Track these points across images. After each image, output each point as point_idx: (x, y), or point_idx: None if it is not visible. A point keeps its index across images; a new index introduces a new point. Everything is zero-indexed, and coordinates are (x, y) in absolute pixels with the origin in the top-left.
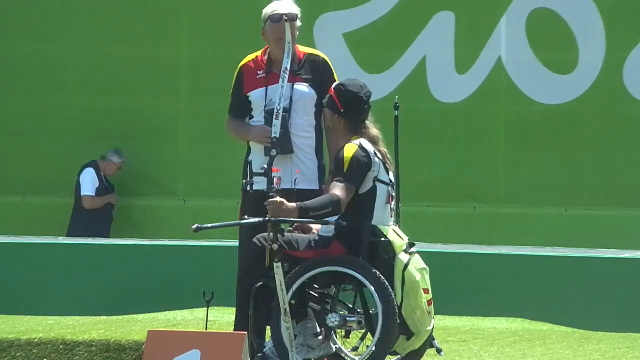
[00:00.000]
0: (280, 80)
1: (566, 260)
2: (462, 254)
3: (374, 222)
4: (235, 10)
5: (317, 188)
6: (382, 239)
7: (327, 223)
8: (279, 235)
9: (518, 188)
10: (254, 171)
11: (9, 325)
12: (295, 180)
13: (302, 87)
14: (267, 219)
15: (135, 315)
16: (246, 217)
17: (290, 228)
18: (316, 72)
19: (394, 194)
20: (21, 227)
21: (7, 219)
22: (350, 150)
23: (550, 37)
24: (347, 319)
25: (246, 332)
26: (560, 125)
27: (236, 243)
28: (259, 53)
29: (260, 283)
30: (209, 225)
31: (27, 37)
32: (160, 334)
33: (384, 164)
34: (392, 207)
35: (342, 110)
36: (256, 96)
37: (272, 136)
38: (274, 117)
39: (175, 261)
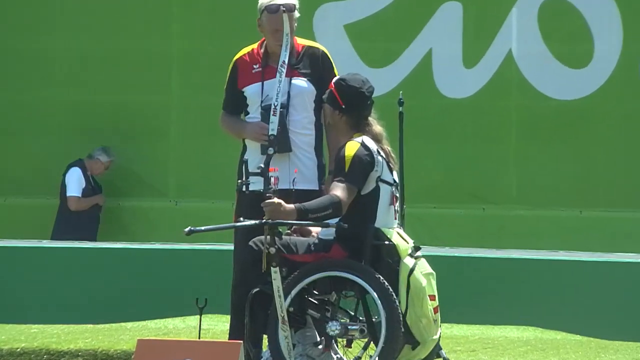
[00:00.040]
0: (278, 74)
1: (581, 264)
2: (471, 258)
3: (376, 224)
4: (229, 0)
5: (317, 188)
6: (386, 242)
7: (328, 225)
8: (276, 238)
9: (529, 188)
10: (250, 170)
11: None
12: (294, 180)
13: (301, 82)
14: (264, 221)
15: (123, 323)
16: (241, 219)
17: (289, 231)
18: (315, 65)
19: (398, 195)
20: (2, 229)
21: None
22: (351, 148)
23: (563, 29)
24: (349, 327)
25: (241, 341)
26: (574, 121)
27: (231, 246)
28: (254, 46)
29: (257, 289)
30: (202, 228)
31: (9, 29)
32: (151, 343)
33: (388, 162)
34: (396, 208)
35: (343, 106)
36: (252, 91)
37: (269, 133)
38: (271, 113)
39: (167, 266)
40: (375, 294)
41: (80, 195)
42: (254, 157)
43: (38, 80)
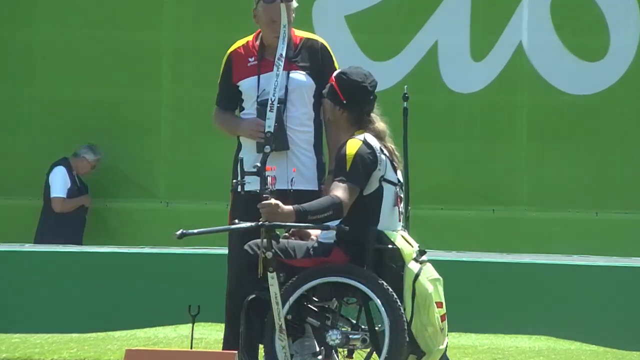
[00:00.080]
0: (275, 68)
1: (597, 270)
2: (480, 262)
3: (380, 227)
4: None
5: (316, 189)
6: (390, 246)
7: (328, 228)
8: (273, 241)
9: (542, 189)
10: (245, 170)
11: None
12: (292, 180)
13: (299, 76)
14: (260, 223)
15: (111, 332)
16: (236, 221)
17: (286, 234)
18: (314, 58)
19: (402, 196)
20: None
21: None
22: (353, 146)
23: (577, 19)
24: (350, 336)
25: (236, 351)
26: (589, 118)
27: (225, 251)
28: (250, 38)
29: (253, 296)
30: (195, 231)
31: None
32: (140, 354)
33: (391, 161)
34: (400, 210)
35: (345, 102)
36: (247, 86)
37: (266, 130)
38: (268, 108)
39: (157, 271)
40: (378, 301)
41: (65, 196)
42: (250, 156)
43: (19, 74)
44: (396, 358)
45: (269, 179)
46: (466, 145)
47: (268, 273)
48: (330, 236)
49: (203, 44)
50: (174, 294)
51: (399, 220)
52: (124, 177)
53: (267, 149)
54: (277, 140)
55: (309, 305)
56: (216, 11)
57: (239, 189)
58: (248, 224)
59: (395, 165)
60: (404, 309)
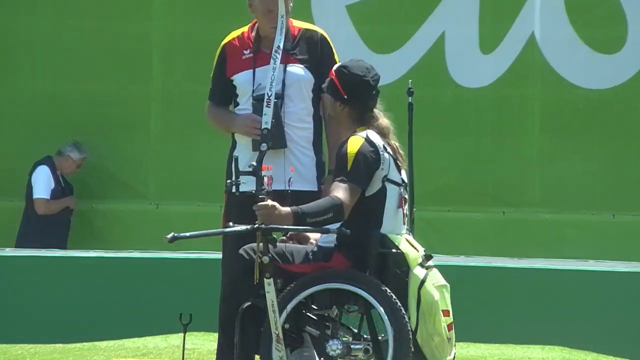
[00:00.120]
0: (272, 60)
1: (614, 275)
2: (489, 268)
3: (383, 230)
4: None
5: (315, 189)
6: (393, 250)
7: (328, 231)
8: (270, 245)
9: (555, 189)
10: (240, 169)
11: None
12: (290, 180)
13: (297, 69)
14: (256, 226)
15: (97, 343)
16: (231, 224)
17: (284, 237)
18: (313, 51)
19: (407, 196)
20: None
21: None
22: (354, 143)
23: (593, 10)
24: (352, 346)
25: None
26: (605, 113)
27: (219, 255)
28: (245, 29)
29: (248, 303)
30: (187, 234)
31: None
32: None
33: (395, 160)
34: (404, 211)
35: (346, 97)
36: (242, 80)
37: (262, 127)
38: (264, 104)
39: (146, 277)
40: (381, 308)
41: (48, 197)
42: (245, 154)
43: (1, 68)
44: None
45: (266, 179)
46: (474, 143)
47: (264, 279)
48: (330, 240)
49: (196, 35)
50: (164, 301)
51: (404, 223)
52: (111, 177)
53: (264, 147)
54: (274, 138)
55: (308, 314)
56: (210, 0)
57: (234, 190)
58: (243, 227)
59: (400, 164)
60: (409, 318)
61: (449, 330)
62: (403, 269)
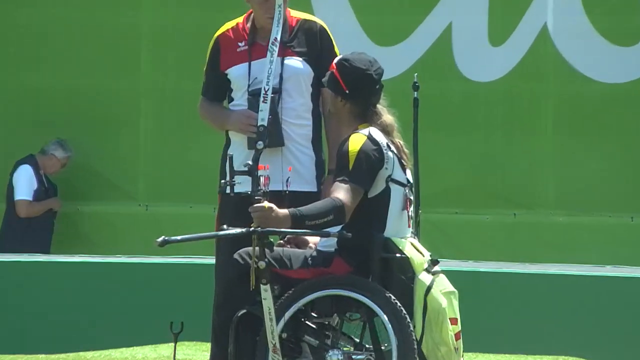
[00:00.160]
0: (268, 53)
1: (632, 282)
2: (499, 273)
3: (386, 234)
4: None
5: (315, 190)
6: (398, 255)
7: (328, 235)
8: (266, 249)
9: (570, 190)
10: (235, 169)
11: None
12: (287, 180)
13: (295, 62)
14: (252, 229)
15: (82, 353)
16: (225, 226)
17: (281, 241)
18: (312, 43)
19: (412, 198)
20: None
21: None
22: (356, 141)
23: None
24: (353, 356)
25: None
26: (622, 109)
27: (212, 260)
28: (240, 19)
29: (243, 311)
30: (178, 238)
31: None
32: None
33: (400, 159)
34: (409, 214)
35: (347, 92)
36: (237, 74)
37: (258, 124)
38: (261, 99)
39: (135, 283)
40: (385, 316)
41: (31, 198)
42: (240, 153)
43: None
44: None
45: (262, 179)
46: (484, 141)
47: (261, 285)
48: (330, 244)
49: (188, 26)
50: (154, 309)
51: (409, 226)
52: (98, 177)
53: (260, 145)
54: (271, 135)
55: (307, 322)
56: None
57: (228, 191)
58: (238, 230)
59: (404, 163)
60: (414, 326)
61: (456, 340)
62: (408, 274)
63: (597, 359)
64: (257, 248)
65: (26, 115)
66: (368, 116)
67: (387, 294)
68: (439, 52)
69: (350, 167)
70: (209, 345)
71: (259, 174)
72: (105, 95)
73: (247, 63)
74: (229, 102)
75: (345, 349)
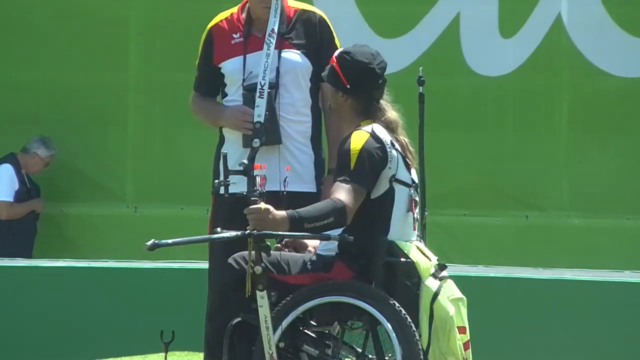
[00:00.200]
0: (265, 46)
1: None
2: (510, 279)
3: (390, 237)
4: None
5: (314, 190)
6: (403, 259)
7: (329, 238)
8: (263, 254)
9: (585, 191)
10: (230, 168)
11: None
12: (285, 180)
13: (293, 55)
14: (248, 232)
15: None
16: (219, 229)
17: (279, 244)
18: (311, 34)
19: (417, 199)
20: None
21: None
22: (358, 139)
23: None
24: None
25: None
26: None
27: (205, 265)
28: (234, 10)
29: (238, 319)
30: (169, 241)
31: None
32: None
33: (405, 157)
34: (415, 216)
35: (348, 87)
36: (231, 67)
37: (254, 120)
38: (257, 94)
39: (123, 289)
40: (388, 325)
41: (12, 199)
42: (235, 151)
43: None
44: None
45: (258, 178)
46: (494, 139)
47: (257, 292)
48: (331, 248)
49: (179, 17)
50: (143, 316)
51: (414, 229)
52: (83, 177)
53: (256, 142)
54: (268, 133)
55: (306, 331)
56: None
57: (222, 191)
58: (233, 233)
59: (409, 162)
60: (420, 335)
61: (465, 350)
62: (414, 280)
63: None
64: (253, 252)
65: (6, 111)
66: (371, 112)
67: (391, 301)
68: (446, 44)
69: (352, 166)
70: (201, 355)
71: (254, 174)
72: (91, 90)
73: (242, 56)
74: (223, 98)
75: (347, 359)
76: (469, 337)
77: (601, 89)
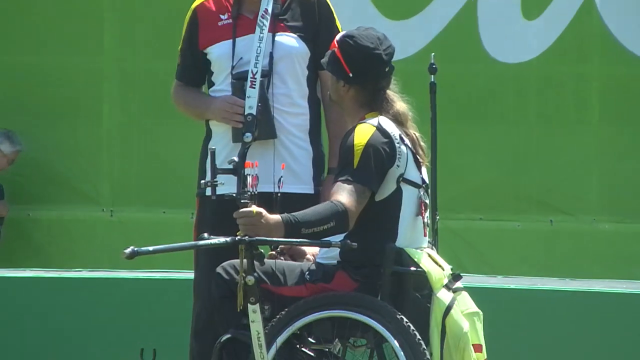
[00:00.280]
0: (257, 28)
1: None
2: (533, 290)
3: (398, 243)
4: None
5: (312, 192)
6: (412, 269)
7: (329, 244)
8: (255, 262)
9: (618, 192)
10: (218, 166)
11: None
12: (280, 180)
13: (288, 39)
14: (238, 238)
15: None
16: (205, 235)
17: (274, 252)
18: (309, 16)
19: (428, 201)
20: None
21: None
22: (363, 133)
23: None
24: None
25: None
26: None
27: (191, 274)
28: None
29: (227, 335)
30: (150, 249)
31: None
32: None
33: (415, 154)
34: (425, 220)
35: (351, 75)
36: (218, 53)
37: (246, 112)
38: (248, 83)
39: (99, 302)
40: (395, 342)
41: None
42: (224, 147)
43: None
44: None
45: (249, 178)
46: (515, 134)
47: (248, 305)
48: (332, 255)
49: None
50: (121, 332)
51: (424, 235)
52: (53, 176)
53: (248, 137)
54: (261, 126)
55: (303, 349)
56: None
57: (209, 193)
58: (221, 240)
59: (420, 159)
60: (431, 354)
61: None
62: (424, 292)
63: None
64: (244, 260)
65: None
66: (377, 103)
67: (398, 316)
68: (461, 27)
69: (355, 164)
70: None
71: (246, 173)
72: (60, 78)
73: (231, 40)
74: (209, 87)
75: None
76: (485, 357)
77: (636, 77)
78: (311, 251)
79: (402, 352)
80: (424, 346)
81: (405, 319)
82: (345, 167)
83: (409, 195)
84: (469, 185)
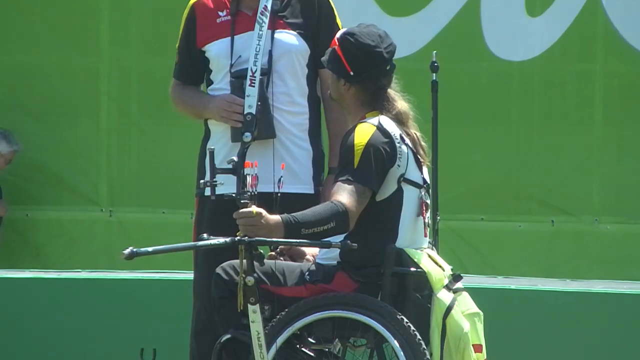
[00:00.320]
0: (256, 25)
1: None
2: (534, 291)
3: (399, 244)
4: None
5: (312, 192)
6: (413, 269)
7: (329, 245)
8: (255, 263)
9: (621, 193)
10: (217, 166)
11: None
12: (280, 180)
13: (288, 37)
14: (238, 238)
15: None
16: (205, 235)
17: (273, 253)
18: (308, 12)
19: (429, 201)
20: None
21: None
22: (364, 133)
23: None
24: None
25: None
26: None
27: (190, 275)
28: None
29: (227, 336)
30: (149, 249)
31: None
32: None
33: (416, 154)
34: (426, 220)
35: (352, 73)
36: (216, 51)
37: (245, 112)
38: (247, 82)
39: (97, 302)
40: (396, 342)
41: None
42: (223, 147)
43: None
44: None
45: (249, 178)
46: (517, 133)
47: (248, 305)
48: (332, 256)
49: None
50: (120, 333)
51: (425, 235)
52: (51, 177)
53: (247, 136)
54: (261, 125)
55: (303, 349)
56: None
57: (208, 193)
58: (221, 240)
59: (421, 159)
60: (431, 354)
61: None
62: (424, 292)
63: None
64: (244, 261)
65: None
66: (377, 102)
67: (399, 316)
68: (463, 24)
69: (356, 164)
70: None
71: (245, 173)
72: (58, 77)
73: (230, 37)
74: (207, 86)
75: None
76: (485, 357)
77: None
78: (311, 252)
79: (402, 352)
80: (424, 346)
81: (405, 319)
82: (345, 167)
83: (410, 196)
84: (470, 186)
